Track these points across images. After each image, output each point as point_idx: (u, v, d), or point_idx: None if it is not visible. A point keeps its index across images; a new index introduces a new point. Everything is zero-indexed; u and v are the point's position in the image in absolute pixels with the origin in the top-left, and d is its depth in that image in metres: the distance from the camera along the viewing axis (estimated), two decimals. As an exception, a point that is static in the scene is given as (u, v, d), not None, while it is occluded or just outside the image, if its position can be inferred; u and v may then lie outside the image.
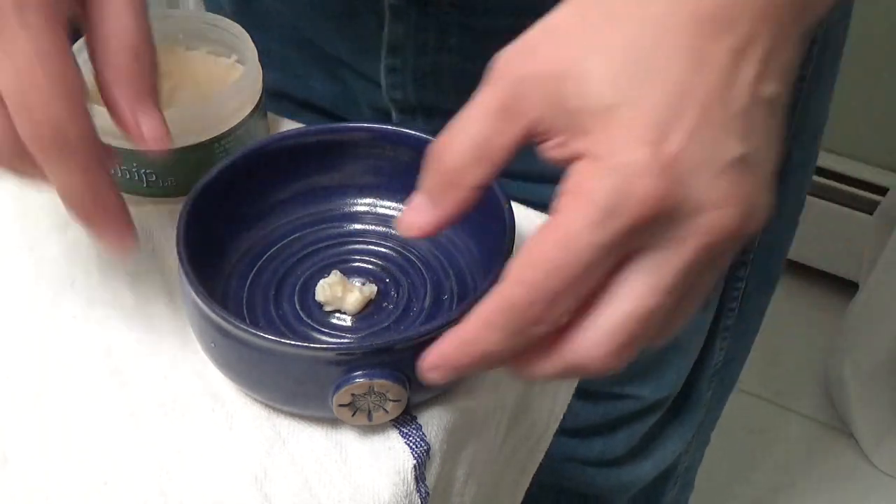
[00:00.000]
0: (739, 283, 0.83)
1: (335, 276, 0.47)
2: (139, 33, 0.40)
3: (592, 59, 0.34)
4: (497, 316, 0.35)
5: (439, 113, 0.39)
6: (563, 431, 0.58)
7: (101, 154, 0.39)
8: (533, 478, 0.58)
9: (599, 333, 0.34)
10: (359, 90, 0.70)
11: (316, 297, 0.47)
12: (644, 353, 0.86)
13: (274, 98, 0.74)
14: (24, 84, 0.37)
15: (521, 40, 0.36)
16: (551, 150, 0.35)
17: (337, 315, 0.47)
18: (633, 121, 0.33)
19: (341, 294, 0.46)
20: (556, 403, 0.55)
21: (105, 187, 0.39)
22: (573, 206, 0.33)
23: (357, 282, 0.48)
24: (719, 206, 0.33)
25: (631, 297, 0.34)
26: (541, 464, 0.58)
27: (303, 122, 0.69)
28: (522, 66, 0.35)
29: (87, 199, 0.39)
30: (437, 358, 0.36)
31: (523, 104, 0.35)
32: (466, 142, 0.36)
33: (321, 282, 0.47)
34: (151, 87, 0.41)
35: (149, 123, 0.40)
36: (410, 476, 0.42)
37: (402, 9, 0.60)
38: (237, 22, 0.71)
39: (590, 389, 0.81)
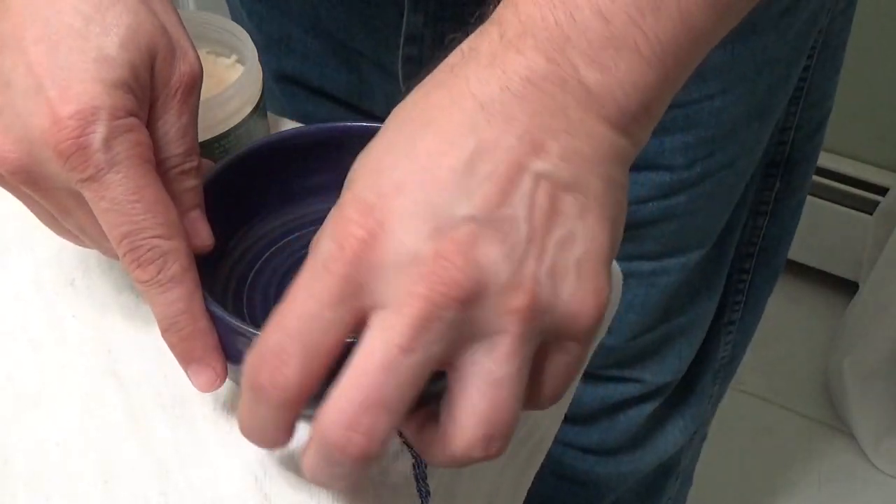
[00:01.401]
0: (745, 275, 0.84)
1: None
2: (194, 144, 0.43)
3: (363, 155, 0.36)
4: (245, 392, 0.35)
5: None
6: (563, 418, 0.58)
7: (198, 283, 0.41)
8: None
9: (332, 400, 0.33)
10: (375, 80, 0.70)
11: None
12: (645, 336, 0.86)
13: (289, 83, 0.74)
14: (125, 227, 0.39)
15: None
16: None
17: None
18: (355, 189, 0.34)
19: None
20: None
21: (202, 319, 0.41)
22: (300, 272, 0.34)
23: None
24: (437, 261, 0.32)
25: (360, 356, 0.33)
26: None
27: (317, 110, 0.69)
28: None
29: (184, 328, 0.41)
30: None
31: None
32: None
33: None
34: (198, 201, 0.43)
35: (196, 237, 0.43)
36: (412, 477, 0.42)
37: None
38: (257, 8, 0.71)
39: (589, 371, 0.81)
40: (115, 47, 0.39)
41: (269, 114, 0.58)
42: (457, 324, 0.32)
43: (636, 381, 0.85)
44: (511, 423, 0.33)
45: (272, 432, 0.35)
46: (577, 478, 0.94)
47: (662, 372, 0.85)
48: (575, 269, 0.33)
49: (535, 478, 0.55)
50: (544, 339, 0.34)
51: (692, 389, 0.90)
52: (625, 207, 0.35)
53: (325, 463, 0.34)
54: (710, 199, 0.71)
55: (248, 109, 0.53)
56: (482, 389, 0.33)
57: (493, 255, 0.32)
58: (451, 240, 0.32)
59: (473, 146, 0.33)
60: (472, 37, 0.36)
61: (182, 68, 0.42)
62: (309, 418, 0.44)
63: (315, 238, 0.34)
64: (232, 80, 0.53)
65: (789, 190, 0.79)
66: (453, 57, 0.36)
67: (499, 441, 0.33)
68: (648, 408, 0.88)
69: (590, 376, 0.83)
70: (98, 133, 0.38)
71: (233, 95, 0.52)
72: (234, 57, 0.56)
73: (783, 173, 0.77)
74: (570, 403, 0.58)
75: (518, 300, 0.32)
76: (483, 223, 0.32)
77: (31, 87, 0.39)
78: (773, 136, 0.74)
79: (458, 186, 0.32)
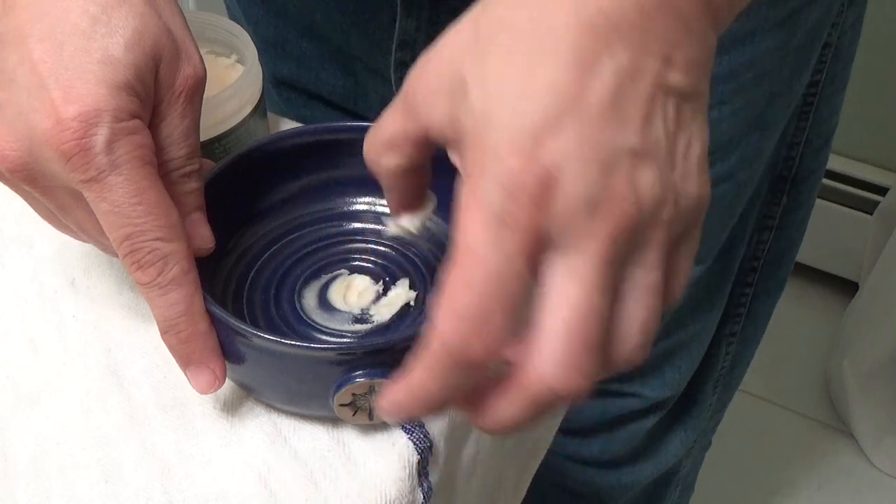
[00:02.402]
0: (748, 288, 0.83)
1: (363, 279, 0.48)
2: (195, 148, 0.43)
3: (474, 72, 0.34)
4: (436, 364, 0.33)
5: None
6: (563, 430, 0.58)
7: (199, 285, 0.41)
8: (534, 475, 0.58)
9: (548, 349, 0.33)
10: (370, 85, 0.70)
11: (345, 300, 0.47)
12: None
13: (285, 88, 0.74)
14: (126, 229, 0.39)
15: (424, 54, 0.37)
16: (453, 160, 0.36)
17: (337, 314, 0.47)
18: (507, 130, 0.33)
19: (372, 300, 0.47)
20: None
21: (202, 321, 0.41)
22: (470, 226, 0.33)
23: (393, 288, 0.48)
24: (612, 199, 0.32)
25: (562, 304, 0.33)
26: (542, 461, 0.58)
27: (313, 114, 0.69)
28: (417, 80, 0.37)
29: (184, 330, 0.41)
30: (390, 404, 0.35)
31: (418, 112, 0.37)
32: (377, 133, 0.39)
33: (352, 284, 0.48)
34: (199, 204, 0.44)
35: (197, 238, 0.43)
36: (414, 472, 0.43)
37: (415, 4, 0.60)
38: (253, 11, 0.71)
39: None
40: (121, 49, 0.39)
41: (269, 114, 0.58)
42: (627, 257, 0.33)
43: (636, 395, 0.85)
44: (657, 326, 0.35)
45: (462, 394, 0.34)
46: (577, 489, 0.94)
47: (662, 387, 0.85)
48: (697, 167, 0.35)
49: (535, 489, 0.56)
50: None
51: (693, 401, 0.90)
52: None
53: (536, 410, 0.33)
54: (710, 213, 0.71)
55: (248, 109, 0.53)
56: (640, 300, 0.34)
57: (650, 180, 0.33)
58: (619, 176, 0.32)
59: (615, 73, 0.33)
60: None
61: (186, 71, 0.42)
62: (317, 418, 0.44)
63: (473, 182, 0.33)
64: (232, 80, 0.53)
65: (796, 204, 0.78)
66: None
67: (649, 347, 0.35)
68: (649, 422, 0.88)
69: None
70: (100, 135, 0.38)
71: (233, 95, 0.52)
72: (234, 57, 0.56)
73: (790, 188, 0.77)
74: (570, 417, 0.58)
75: (665, 212, 0.33)
76: (639, 152, 0.33)
77: (35, 86, 0.39)
78: (781, 150, 0.74)
79: (611, 118, 0.33)
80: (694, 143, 0.34)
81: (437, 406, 0.35)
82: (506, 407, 0.34)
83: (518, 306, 0.33)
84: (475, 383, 0.34)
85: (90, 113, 0.38)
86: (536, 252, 0.33)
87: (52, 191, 0.41)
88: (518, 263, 0.32)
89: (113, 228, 0.39)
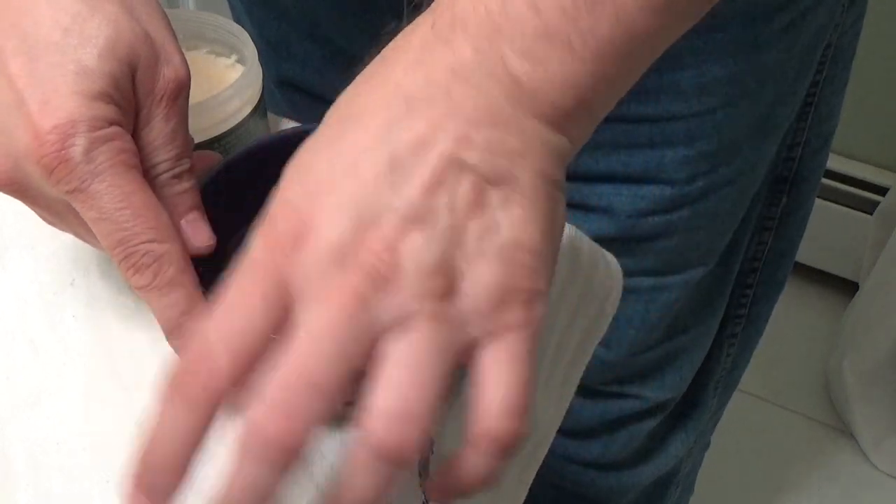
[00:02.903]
0: (748, 290, 0.83)
1: None
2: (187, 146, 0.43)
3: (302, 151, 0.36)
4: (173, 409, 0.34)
5: None
6: (563, 432, 0.58)
7: (197, 284, 0.41)
8: (534, 476, 0.58)
9: (262, 395, 0.32)
10: None
11: None
12: (645, 353, 0.85)
13: (290, 90, 0.74)
14: (117, 235, 0.39)
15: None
16: None
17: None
18: (285, 189, 0.34)
19: None
20: (556, 402, 0.55)
21: (203, 318, 0.41)
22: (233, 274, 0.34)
23: None
24: (362, 253, 0.32)
25: (288, 349, 0.32)
26: (542, 462, 0.58)
27: (317, 115, 0.69)
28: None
29: (186, 328, 0.41)
30: None
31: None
32: None
33: None
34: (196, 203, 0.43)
35: (196, 238, 0.43)
36: (415, 472, 0.42)
37: (421, 6, 0.60)
38: (256, 12, 0.71)
39: (589, 387, 0.81)
40: (94, 59, 0.39)
41: (269, 114, 0.58)
42: (379, 313, 0.32)
43: (636, 397, 0.85)
44: (425, 409, 0.32)
45: (190, 442, 0.33)
46: (577, 491, 0.94)
47: (663, 389, 0.85)
48: (497, 256, 0.32)
49: (535, 490, 0.55)
50: (479, 336, 0.33)
51: (694, 403, 0.90)
52: (561, 203, 0.35)
53: (254, 464, 0.32)
54: (713, 216, 0.71)
55: (248, 109, 0.53)
56: (397, 370, 0.32)
57: (415, 244, 0.32)
58: (375, 232, 0.32)
59: (397, 141, 0.33)
60: (407, 27, 0.36)
61: (167, 75, 0.42)
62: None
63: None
64: (232, 80, 0.53)
65: (796, 205, 0.78)
66: (387, 49, 0.36)
67: (410, 428, 0.31)
68: (649, 424, 0.88)
69: (589, 391, 0.82)
70: (78, 146, 0.38)
71: (233, 95, 0.52)
72: (234, 57, 0.56)
73: (790, 189, 0.77)
74: (570, 418, 0.58)
75: (435, 283, 0.32)
76: (406, 216, 0.32)
77: (13, 102, 0.39)
78: (781, 152, 0.74)
79: (382, 182, 0.32)
80: (501, 232, 0.32)
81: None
82: (235, 472, 0.32)
83: (244, 342, 0.32)
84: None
85: (66, 125, 0.38)
86: (276, 295, 0.33)
87: (43, 202, 0.41)
88: (254, 303, 0.32)
89: (104, 235, 0.40)
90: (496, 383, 0.33)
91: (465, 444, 0.33)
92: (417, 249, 0.32)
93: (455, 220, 0.32)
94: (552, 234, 0.34)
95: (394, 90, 0.34)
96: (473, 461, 0.33)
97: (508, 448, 0.33)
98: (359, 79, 0.36)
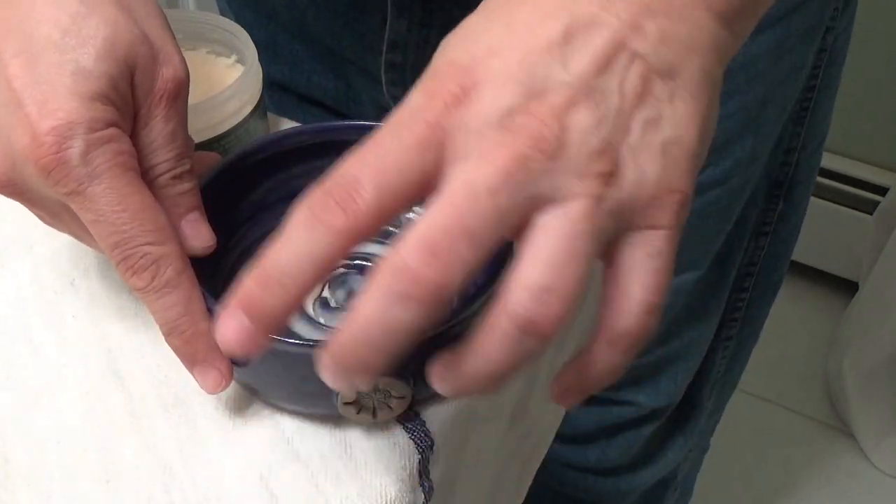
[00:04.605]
0: (744, 293, 0.83)
1: None
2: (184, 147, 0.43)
3: (462, 26, 0.35)
4: (312, 201, 0.32)
5: None
6: (561, 437, 0.58)
7: (196, 285, 0.41)
8: (532, 480, 0.58)
9: (411, 237, 0.31)
10: (362, 87, 0.70)
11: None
12: (640, 360, 0.85)
13: (277, 90, 0.74)
14: (115, 237, 0.39)
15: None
16: None
17: (338, 313, 0.47)
18: (453, 52, 0.33)
19: None
20: (556, 403, 0.55)
21: (203, 321, 0.41)
22: (388, 120, 0.33)
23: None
24: (529, 118, 0.31)
25: (443, 199, 0.31)
26: (540, 467, 0.58)
27: (305, 117, 0.69)
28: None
29: (185, 330, 0.41)
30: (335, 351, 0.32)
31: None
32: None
33: None
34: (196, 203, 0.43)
35: (197, 238, 0.43)
36: (415, 472, 0.42)
37: (406, 4, 0.60)
38: (245, 14, 0.71)
39: None
40: (92, 60, 0.39)
41: (269, 114, 0.58)
42: (539, 180, 0.31)
43: (631, 403, 0.85)
44: (573, 287, 0.31)
45: (316, 267, 0.32)
46: (576, 496, 0.94)
47: (657, 395, 0.85)
48: (660, 151, 0.32)
49: (533, 495, 0.55)
50: (625, 229, 0.33)
51: (690, 407, 0.90)
52: (717, 106, 0.35)
53: (390, 300, 0.30)
54: (702, 217, 0.71)
55: (248, 109, 0.53)
56: (551, 243, 0.31)
57: (582, 121, 0.31)
58: (545, 101, 0.31)
59: (571, 18, 0.32)
60: None
61: (165, 75, 0.41)
62: (320, 417, 0.44)
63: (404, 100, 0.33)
64: (232, 80, 0.53)
65: (791, 208, 0.78)
66: None
67: (556, 301, 0.31)
68: (646, 430, 0.88)
69: None
70: (76, 147, 0.38)
71: (233, 95, 0.52)
72: (234, 57, 0.56)
73: (786, 193, 0.77)
74: (567, 423, 0.58)
75: (600, 165, 0.31)
76: (577, 90, 0.31)
77: (12, 102, 0.39)
78: (777, 156, 0.74)
79: (554, 54, 0.32)
80: (664, 126, 0.32)
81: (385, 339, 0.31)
82: (369, 300, 0.31)
83: (393, 188, 0.31)
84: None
85: (63, 126, 0.38)
86: (435, 148, 0.32)
87: (41, 203, 0.41)
88: (410, 151, 0.32)
89: (102, 237, 0.40)
90: (638, 280, 0.33)
91: (597, 339, 0.34)
92: (585, 126, 0.31)
93: (623, 105, 0.32)
94: (707, 137, 0.34)
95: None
96: (605, 356, 0.34)
97: (639, 344, 0.33)
98: None
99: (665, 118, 0.32)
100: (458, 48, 0.33)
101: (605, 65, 0.32)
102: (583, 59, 0.32)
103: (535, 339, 0.31)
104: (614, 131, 0.32)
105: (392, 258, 0.31)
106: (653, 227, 0.33)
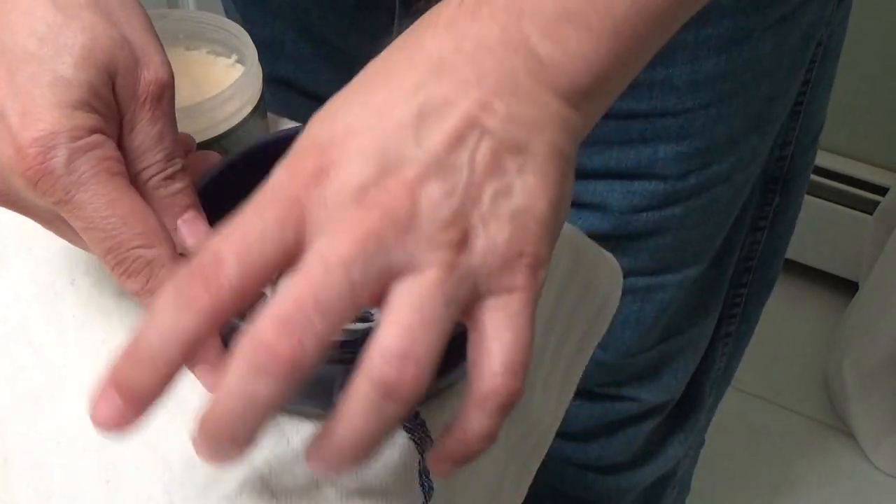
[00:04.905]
0: (742, 289, 0.83)
1: None
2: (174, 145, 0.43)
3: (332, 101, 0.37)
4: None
5: None
6: (561, 434, 0.58)
7: None
8: (533, 478, 0.58)
9: (264, 315, 0.32)
10: None
11: None
12: (642, 356, 0.85)
13: (282, 87, 0.74)
14: (106, 243, 0.39)
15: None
16: None
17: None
18: (313, 130, 0.36)
19: None
20: (555, 401, 0.55)
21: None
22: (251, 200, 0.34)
23: None
24: (381, 194, 0.33)
25: (299, 275, 0.33)
26: (540, 465, 0.58)
27: (310, 114, 0.69)
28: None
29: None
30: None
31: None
32: None
33: None
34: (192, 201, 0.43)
35: (194, 237, 0.43)
36: (415, 471, 0.42)
37: (413, 2, 0.60)
38: (251, 12, 0.71)
39: (585, 389, 0.81)
40: (71, 68, 0.39)
41: (269, 114, 0.58)
42: (392, 251, 0.33)
43: (632, 399, 0.85)
44: (428, 352, 0.33)
45: (181, 344, 0.33)
46: (576, 493, 0.94)
47: (659, 391, 0.85)
48: (510, 219, 0.34)
49: (534, 492, 0.55)
50: (484, 293, 0.34)
51: (690, 404, 0.90)
52: (570, 178, 0.36)
53: (248, 372, 0.32)
54: (706, 213, 0.71)
55: (248, 109, 0.53)
56: (405, 310, 0.33)
57: (433, 194, 0.33)
58: (397, 176, 0.33)
59: (424, 99, 0.34)
60: (436, 6, 0.37)
61: (147, 77, 0.41)
62: (307, 415, 0.44)
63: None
64: (232, 80, 0.53)
65: (787, 203, 0.79)
66: (416, 23, 0.38)
67: (412, 366, 0.32)
68: (647, 426, 0.88)
69: (585, 393, 0.82)
70: (59, 157, 0.38)
71: (233, 95, 0.52)
72: (234, 57, 0.56)
73: (782, 188, 0.77)
74: (567, 420, 0.58)
75: (450, 234, 0.33)
76: (428, 165, 0.33)
77: None
78: (773, 151, 0.74)
79: (407, 132, 0.34)
80: (514, 197, 0.34)
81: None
82: (231, 373, 0.32)
83: (256, 262, 0.33)
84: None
85: (46, 137, 0.38)
86: (295, 224, 0.33)
87: (34, 211, 0.42)
88: (271, 227, 0.33)
89: (94, 243, 0.40)
90: (498, 340, 0.34)
91: (466, 404, 0.35)
92: (436, 199, 0.33)
93: (473, 178, 0.34)
94: (560, 206, 0.36)
95: (424, 55, 0.35)
96: (474, 420, 0.34)
97: (508, 406, 0.34)
98: (389, 48, 0.38)
99: (515, 189, 0.34)
100: (320, 126, 0.36)
101: (456, 141, 0.34)
102: (435, 136, 0.34)
103: (395, 404, 0.32)
104: (465, 202, 0.33)
105: (250, 331, 0.32)
106: (508, 291, 0.34)
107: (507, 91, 0.35)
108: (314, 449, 0.35)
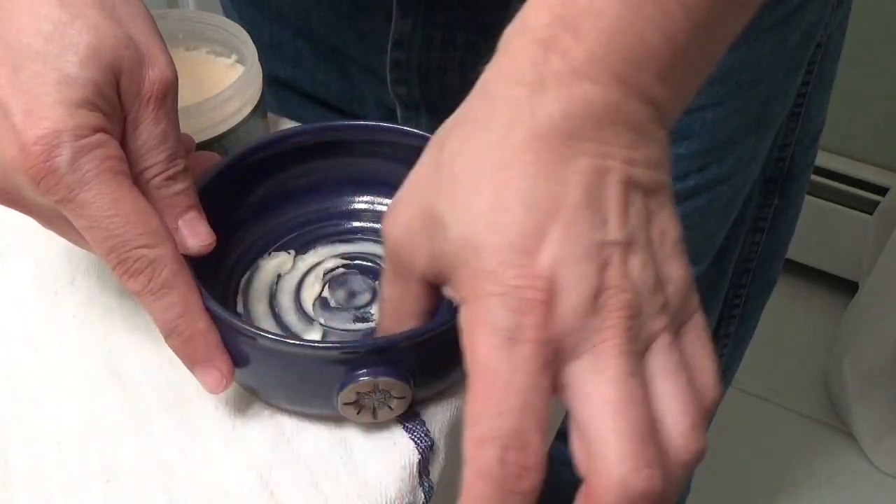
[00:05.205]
0: (742, 290, 0.83)
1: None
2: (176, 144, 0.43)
3: (444, 204, 0.35)
4: (482, 486, 0.32)
5: (443, 109, 0.39)
6: (559, 436, 0.58)
7: (192, 285, 0.41)
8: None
9: (610, 451, 0.32)
10: (365, 86, 0.70)
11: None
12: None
13: (281, 88, 0.74)
14: (109, 242, 0.39)
15: (391, 200, 0.38)
16: (450, 294, 0.37)
17: (337, 313, 0.47)
18: (495, 249, 0.33)
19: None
20: (555, 401, 0.55)
21: (201, 320, 0.41)
22: (482, 350, 0.33)
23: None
24: (611, 291, 0.33)
25: (601, 403, 0.33)
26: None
27: (308, 115, 0.69)
28: (392, 228, 0.38)
29: (184, 331, 0.41)
30: None
31: (407, 267, 0.38)
32: (385, 310, 0.40)
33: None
34: (193, 202, 0.43)
35: (195, 237, 0.43)
36: (415, 471, 0.42)
37: (411, 3, 0.60)
38: (249, 13, 0.71)
39: None
40: (76, 67, 0.39)
41: (269, 114, 0.58)
42: (639, 337, 0.34)
43: None
44: (700, 413, 0.34)
45: None
46: (575, 494, 0.93)
47: None
48: (674, 251, 0.36)
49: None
50: (679, 326, 0.36)
51: None
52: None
53: None
54: (706, 215, 0.71)
55: (249, 109, 0.53)
56: (670, 386, 0.34)
57: (639, 266, 0.34)
58: (611, 269, 0.33)
59: (583, 177, 0.34)
60: (525, 66, 0.35)
61: (152, 77, 0.41)
62: (320, 417, 0.44)
63: (471, 307, 0.34)
64: (232, 80, 0.53)
65: (787, 204, 0.79)
66: (515, 88, 0.35)
67: (702, 431, 0.34)
68: None
69: None
70: (63, 155, 0.38)
71: (233, 95, 0.52)
72: (234, 57, 0.56)
73: (781, 188, 0.77)
74: (567, 423, 0.58)
75: (660, 297, 0.34)
76: (624, 244, 0.34)
77: None
78: (773, 151, 0.74)
79: (590, 217, 0.34)
80: (668, 231, 0.36)
81: None
82: None
83: (547, 422, 0.33)
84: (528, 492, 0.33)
85: (50, 135, 0.38)
86: (552, 362, 0.33)
87: (37, 210, 0.42)
88: (538, 378, 0.32)
89: (96, 243, 0.40)
90: (701, 364, 0.36)
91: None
92: (641, 271, 0.34)
93: (646, 234, 0.35)
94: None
95: (551, 129, 0.34)
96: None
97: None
98: (491, 122, 0.35)
99: (666, 225, 0.36)
100: (495, 242, 0.33)
101: (626, 208, 0.35)
102: (612, 212, 0.34)
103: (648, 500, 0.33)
104: (653, 260, 0.35)
105: (606, 480, 0.33)
106: (689, 315, 0.36)
107: (640, 142, 0.35)
108: None
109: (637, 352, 0.33)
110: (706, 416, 0.35)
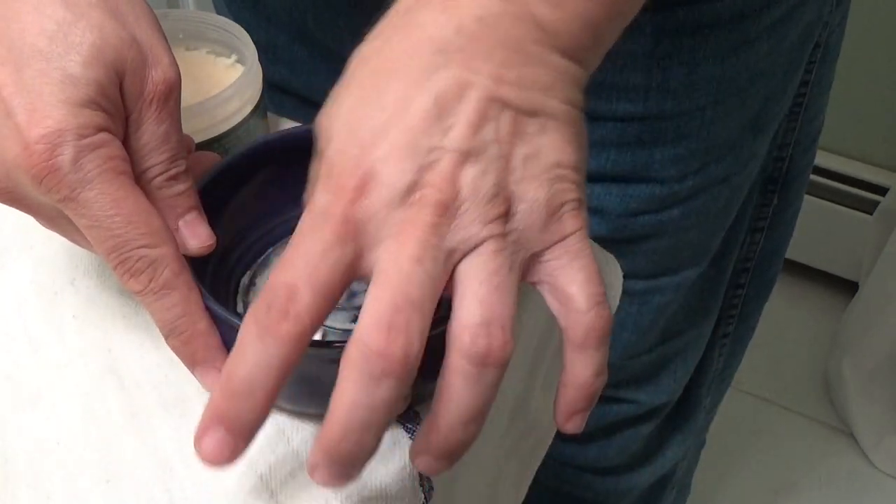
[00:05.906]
0: (740, 290, 0.83)
1: None
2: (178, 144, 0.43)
3: (333, 108, 0.39)
4: (247, 327, 0.35)
5: None
6: (559, 436, 0.58)
7: (193, 286, 0.42)
8: (532, 479, 0.58)
9: (366, 316, 0.34)
10: None
11: None
12: (640, 358, 0.85)
13: (277, 92, 0.74)
14: (110, 241, 0.40)
15: None
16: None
17: (336, 312, 0.47)
18: (339, 145, 0.36)
19: None
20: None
21: (201, 321, 0.42)
22: (300, 226, 0.36)
23: None
24: (427, 188, 0.35)
25: (378, 278, 0.34)
26: (539, 466, 0.58)
27: (305, 118, 0.69)
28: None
29: (184, 331, 0.41)
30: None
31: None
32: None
33: None
34: (193, 202, 0.44)
35: (195, 238, 0.43)
36: (416, 471, 0.42)
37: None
38: (244, 16, 0.71)
39: None
40: (79, 67, 0.39)
41: (269, 114, 0.58)
42: (450, 238, 0.35)
43: (631, 401, 0.85)
44: (507, 314, 0.35)
45: (275, 373, 0.35)
46: (575, 494, 0.94)
47: (658, 393, 0.85)
48: (544, 175, 0.36)
49: (532, 493, 0.55)
50: (544, 247, 0.36)
51: (689, 405, 0.90)
52: (584, 126, 0.39)
53: (367, 382, 0.34)
54: (704, 216, 0.71)
55: (249, 109, 0.53)
56: (476, 284, 0.35)
57: (472, 176, 0.35)
58: (434, 170, 0.35)
59: (440, 87, 0.36)
60: None
61: (155, 77, 0.41)
62: (307, 416, 0.44)
63: (306, 196, 0.37)
64: (232, 80, 0.53)
65: (786, 204, 0.79)
66: (406, 1, 0.38)
67: (498, 330, 0.34)
68: (646, 428, 0.88)
69: None
70: (66, 154, 0.38)
71: (233, 95, 0.52)
72: (234, 57, 0.56)
73: (780, 189, 0.77)
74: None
75: (496, 208, 0.35)
76: (459, 152, 0.35)
77: (1, 112, 0.39)
78: (772, 152, 0.74)
79: (432, 126, 0.35)
80: (541, 155, 0.36)
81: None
82: (346, 387, 0.34)
83: (327, 287, 0.34)
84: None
85: (53, 134, 0.38)
86: (353, 240, 0.35)
87: (38, 209, 0.42)
88: (333, 248, 0.35)
89: (97, 242, 0.40)
90: (574, 283, 0.37)
91: (569, 356, 0.37)
92: (475, 179, 0.35)
93: (502, 150, 0.36)
94: (583, 150, 0.38)
95: (426, 42, 0.36)
96: (583, 362, 0.37)
97: (606, 335, 0.37)
98: (383, 32, 0.39)
99: (542, 149, 0.36)
100: (344, 137, 0.36)
101: (479, 121, 0.36)
102: (459, 122, 0.35)
103: (493, 369, 0.35)
104: (501, 175, 0.36)
105: (355, 347, 0.34)
106: (562, 237, 0.37)
107: (516, 61, 0.36)
108: (421, 444, 0.36)
109: (439, 246, 0.35)
110: (507, 323, 0.35)
